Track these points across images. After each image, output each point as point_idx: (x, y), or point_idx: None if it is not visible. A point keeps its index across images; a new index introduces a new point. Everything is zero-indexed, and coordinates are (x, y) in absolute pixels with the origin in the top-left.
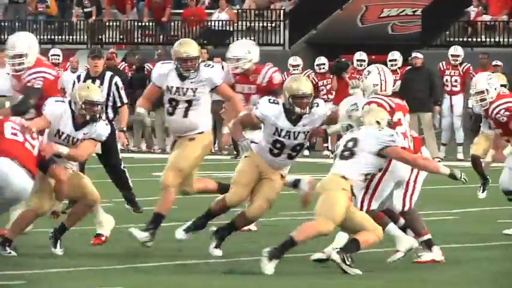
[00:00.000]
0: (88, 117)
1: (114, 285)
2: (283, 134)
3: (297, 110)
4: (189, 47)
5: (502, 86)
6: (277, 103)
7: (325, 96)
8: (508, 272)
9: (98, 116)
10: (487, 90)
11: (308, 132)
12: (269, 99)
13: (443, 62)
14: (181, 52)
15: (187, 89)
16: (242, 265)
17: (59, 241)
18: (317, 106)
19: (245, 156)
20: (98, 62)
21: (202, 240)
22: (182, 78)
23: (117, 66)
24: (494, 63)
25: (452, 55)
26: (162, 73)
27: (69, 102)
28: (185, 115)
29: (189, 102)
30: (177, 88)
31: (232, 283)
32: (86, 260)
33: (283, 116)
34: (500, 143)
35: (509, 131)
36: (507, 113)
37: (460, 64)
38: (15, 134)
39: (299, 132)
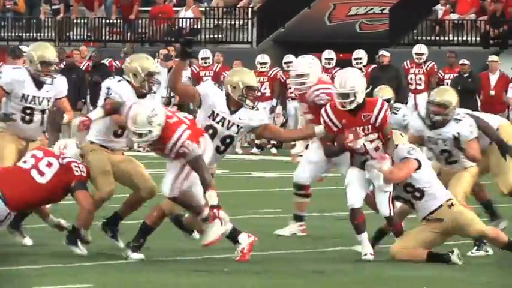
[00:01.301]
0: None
1: (85, 282)
2: (218, 119)
3: (249, 102)
4: (53, 52)
5: (387, 100)
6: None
7: (293, 94)
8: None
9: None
10: (307, 74)
11: (241, 128)
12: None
13: (408, 61)
14: (47, 56)
15: (43, 98)
16: (210, 263)
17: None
18: (257, 110)
19: None
20: (17, 61)
21: (170, 238)
22: (39, 86)
23: (75, 63)
24: (461, 61)
25: (416, 53)
26: (17, 79)
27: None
28: (41, 123)
29: (43, 111)
30: (33, 97)
31: (201, 281)
32: (57, 257)
33: (224, 102)
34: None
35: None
36: (327, 97)
37: (425, 62)
38: (23, 161)
39: (233, 124)
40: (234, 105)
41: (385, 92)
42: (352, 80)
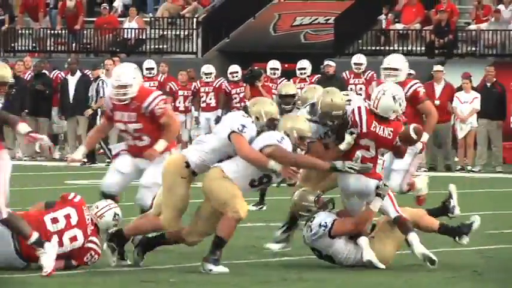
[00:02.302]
0: None
1: None
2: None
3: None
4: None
5: (290, 96)
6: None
7: (238, 105)
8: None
9: None
10: (131, 85)
11: None
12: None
13: (347, 72)
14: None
15: None
16: (157, 273)
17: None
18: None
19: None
20: None
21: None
22: None
23: (16, 74)
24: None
25: (355, 63)
26: None
27: None
28: None
29: None
30: None
31: None
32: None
33: None
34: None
35: (152, 129)
36: (164, 105)
37: (364, 72)
38: (54, 218)
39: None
40: None
41: (288, 88)
42: None
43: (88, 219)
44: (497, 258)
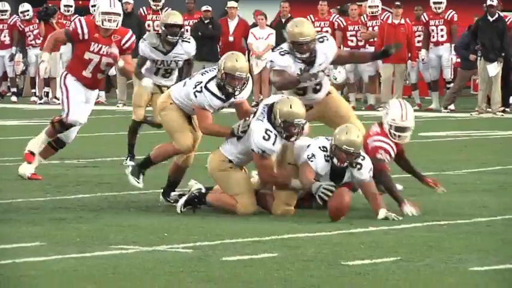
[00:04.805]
0: None
1: None
2: None
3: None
4: None
5: (177, 26)
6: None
7: (33, 42)
8: None
9: None
10: None
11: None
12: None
13: (144, 8)
14: None
15: None
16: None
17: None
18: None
19: None
20: None
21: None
22: None
23: None
24: (204, 8)
25: (153, 0)
26: None
27: None
28: None
29: None
30: None
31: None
32: None
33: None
34: None
35: None
36: None
37: (162, 9)
38: None
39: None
40: None
41: (175, 17)
42: None
43: None
44: None
